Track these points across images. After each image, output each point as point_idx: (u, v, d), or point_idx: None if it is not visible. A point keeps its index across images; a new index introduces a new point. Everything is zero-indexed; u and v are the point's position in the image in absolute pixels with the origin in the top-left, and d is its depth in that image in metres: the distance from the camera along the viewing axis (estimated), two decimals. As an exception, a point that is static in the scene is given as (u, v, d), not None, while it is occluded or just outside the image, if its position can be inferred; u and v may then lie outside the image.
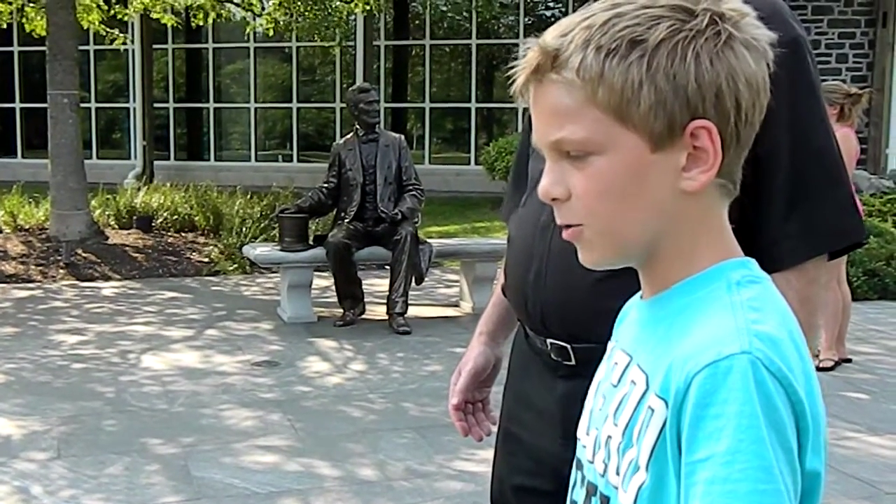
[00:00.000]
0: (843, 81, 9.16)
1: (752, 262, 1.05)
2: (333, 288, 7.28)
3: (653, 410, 0.97)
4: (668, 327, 1.02)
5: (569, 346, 1.65)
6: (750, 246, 1.59)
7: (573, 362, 1.65)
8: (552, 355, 1.69)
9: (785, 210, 1.59)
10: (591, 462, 1.10)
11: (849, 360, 6.19)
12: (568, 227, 1.05)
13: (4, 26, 13.26)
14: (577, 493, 1.14)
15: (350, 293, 7.15)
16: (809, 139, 1.61)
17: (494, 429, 1.93)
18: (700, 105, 0.98)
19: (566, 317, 1.64)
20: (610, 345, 1.18)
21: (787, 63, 1.60)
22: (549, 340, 1.69)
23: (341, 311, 7.17)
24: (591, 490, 1.09)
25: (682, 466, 0.93)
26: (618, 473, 1.02)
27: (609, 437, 1.05)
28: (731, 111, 0.99)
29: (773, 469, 0.89)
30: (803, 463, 0.93)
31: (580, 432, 1.16)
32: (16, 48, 18.68)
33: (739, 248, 1.06)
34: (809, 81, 1.64)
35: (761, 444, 0.89)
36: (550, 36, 1.03)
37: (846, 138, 5.62)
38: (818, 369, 5.76)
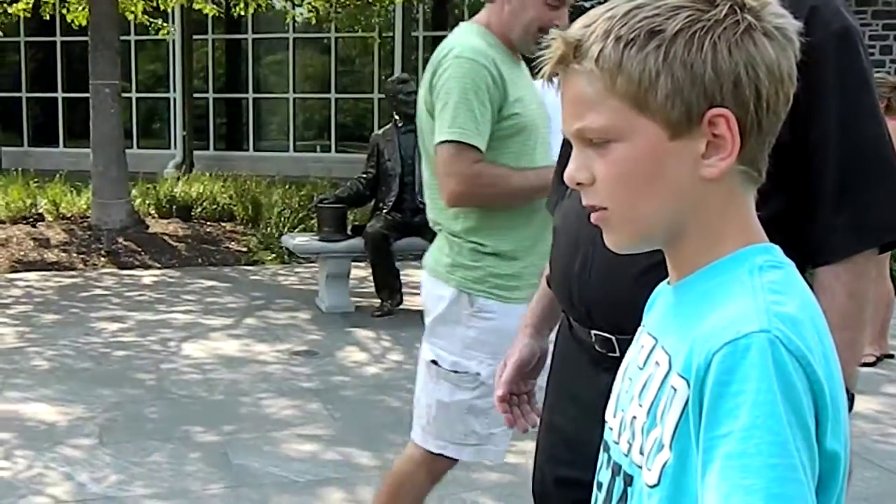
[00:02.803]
0: (888, 73, 9.05)
1: (776, 248, 1.07)
2: (371, 278, 7.30)
3: (675, 390, 0.99)
4: (691, 310, 1.04)
5: (614, 338, 1.65)
6: (799, 238, 1.58)
7: (617, 354, 1.64)
8: (597, 347, 1.69)
9: (835, 202, 1.57)
10: (617, 443, 1.12)
11: (891, 356, 6.12)
12: (595, 210, 1.08)
13: (48, 17, 13.39)
14: (602, 475, 1.16)
15: (388, 283, 7.16)
16: (860, 130, 1.59)
17: (539, 420, 1.93)
18: (717, 93, 1.00)
19: (611, 308, 1.64)
20: (639, 329, 1.20)
21: (838, 53, 1.59)
22: (593, 332, 1.69)
23: (379, 301, 7.19)
24: (616, 470, 1.11)
25: (701, 442, 0.94)
26: (641, 453, 1.05)
27: (634, 417, 1.07)
28: (750, 99, 1.01)
29: (788, 444, 0.90)
30: (823, 443, 0.95)
31: (608, 415, 1.18)
32: (58, 38, 18.86)
33: (764, 235, 1.07)
34: (860, 72, 1.62)
35: (777, 420, 0.90)
36: (576, 27, 1.06)
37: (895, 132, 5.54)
38: (860, 364, 5.71)
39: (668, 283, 1.14)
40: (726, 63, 0.99)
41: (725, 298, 1.00)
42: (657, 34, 1.00)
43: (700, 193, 1.03)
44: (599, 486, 1.17)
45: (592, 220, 1.09)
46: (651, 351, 1.10)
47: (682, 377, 0.99)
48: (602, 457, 1.18)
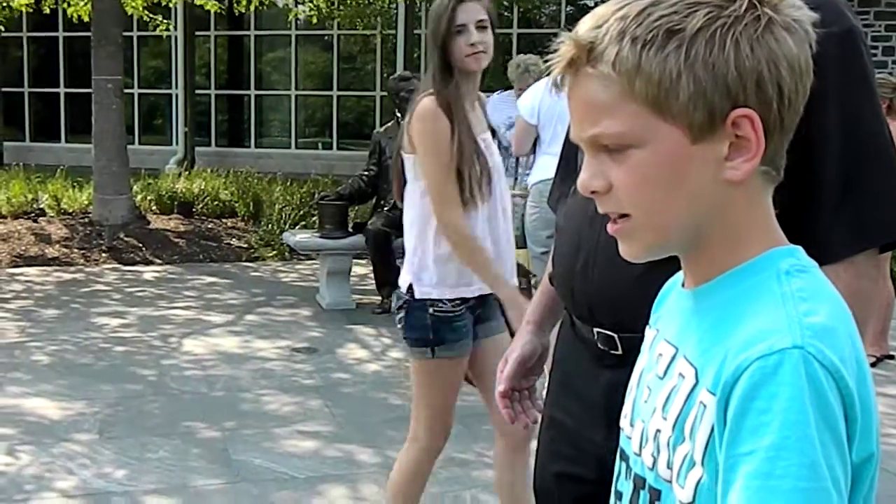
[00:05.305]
0: (890, 74, 9.04)
1: (800, 250, 1.04)
2: (372, 275, 7.30)
3: (705, 406, 0.96)
4: (718, 319, 1.00)
5: (616, 336, 1.65)
6: (800, 236, 1.58)
7: (619, 351, 1.65)
8: (599, 344, 1.69)
9: (835, 202, 1.56)
10: (639, 455, 1.08)
11: (892, 357, 6.13)
12: (614, 221, 1.04)
13: (48, 11, 13.38)
14: (622, 485, 1.13)
15: (388, 280, 7.14)
16: (861, 129, 1.58)
17: (540, 417, 1.93)
18: (741, 93, 0.96)
19: (613, 306, 1.64)
20: (650, 332, 1.16)
21: (840, 53, 1.58)
22: (595, 329, 1.69)
23: (379, 298, 7.19)
24: (640, 483, 1.08)
25: (723, 460, 0.91)
26: (669, 467, 1.01)
27: (658, 430, 1.03)
28: (773, 97, 0.97)
29: (819, 467, 0.87)
30: (850, 452, 0.92)
31: (623, 422, 1.15)
32: (60, 34, 18.86)
33: (784, 236, 1.04)
34: (862, 72, 1.61)
35: (808, 441, 0.87)
36: (584, 28, 1.01)
37: None
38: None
39: (684, 286, 1.09)
40: (749, 61, 0.95)
41: (754, 308, 0.96)
42: (676, 33, 0.96)
43: (722, 197, 1.00)
44: (619, 495, 1.13)
45: (610, 232, 1.05)
46: (672, 360, 1.05)
47: (712, 392, 0.95)
48: (619, 465, 1.15)
